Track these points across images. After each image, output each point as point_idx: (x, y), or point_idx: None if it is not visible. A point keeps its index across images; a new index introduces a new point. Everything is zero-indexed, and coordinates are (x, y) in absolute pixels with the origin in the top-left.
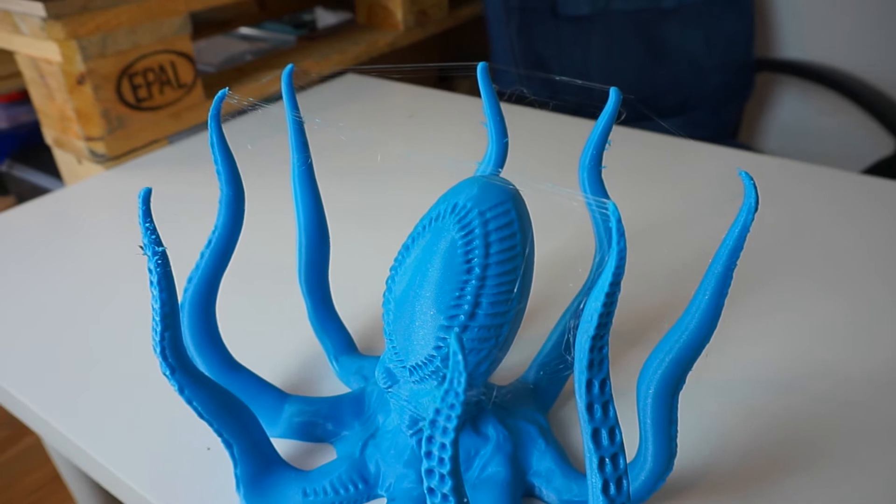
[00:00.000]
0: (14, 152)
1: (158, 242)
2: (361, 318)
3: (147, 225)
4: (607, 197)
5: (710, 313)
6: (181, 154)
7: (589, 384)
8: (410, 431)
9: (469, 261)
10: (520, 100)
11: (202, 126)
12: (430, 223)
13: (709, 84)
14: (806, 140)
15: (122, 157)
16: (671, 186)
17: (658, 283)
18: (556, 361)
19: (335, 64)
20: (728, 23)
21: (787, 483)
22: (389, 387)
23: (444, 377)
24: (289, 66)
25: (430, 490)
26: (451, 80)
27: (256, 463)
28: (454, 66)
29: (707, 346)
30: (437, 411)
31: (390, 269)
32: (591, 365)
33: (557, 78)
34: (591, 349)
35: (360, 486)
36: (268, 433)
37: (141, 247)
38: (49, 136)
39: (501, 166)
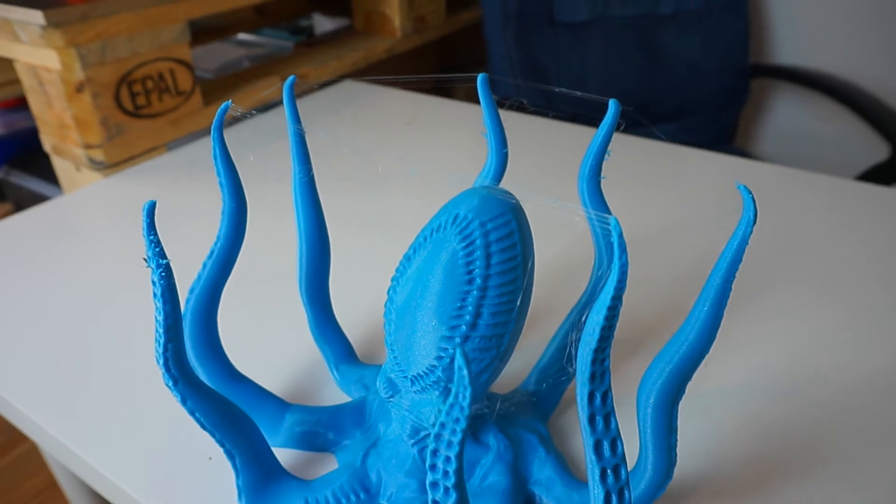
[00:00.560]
0: (11, 159)
1: (162, 255)
2: (362, 327)
3: (151, 237)
4: (606, 207)
5: (709, 324)
6: (179, 161)
7: (591, 396)
8: (412, 441)
9: (470, 271)
10: (519, 109)
11: (200, 133)
12: (431, 234)
13: (706, 89)
14: (801, 145)
15: (121, 165)
16: (669, 193)
17: (657, 291)
18: (556, 370)
19: (333, 70)
20: (724, 29)
21: (787, 489)
22: (391, 396)
23: (445, 388)
24: (290, 78)
25: (435, 503)
26: (449, 86)
27: (258, 473)
28: (453, 77)
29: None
30: (443, 425)
31: (392, 280)
32: (593, 377)
33: (557, 90)
34: (594, 362)
35: (361, 496)
36: (269, 442)
37: (145, 259)
38: (47, 143)
39: (501, 177)
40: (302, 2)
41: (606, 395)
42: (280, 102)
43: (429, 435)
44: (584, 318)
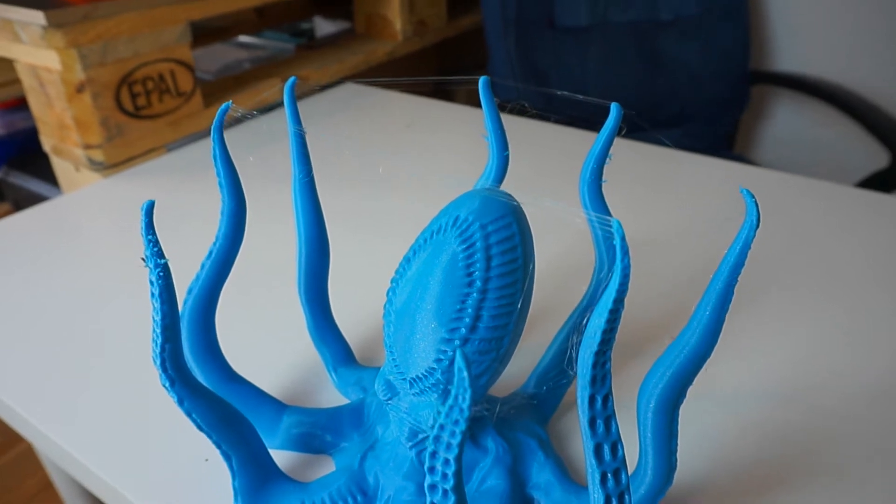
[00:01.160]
0: (11, 159)
1: (161, 255)
2: (360, 329)
3: (149, 237)
4: (607, 211)
5: (710, 328)
6: (179, 162)
7: (592, 400)
8: (410, 444)
9: (470, 274)
10: (520, 112)
11: (201, 134)
12: (431, 236)
13: (705, 95)
14: (801, 152)
15: (121, 165)
16: (669, 198)
17: (658, 294)
18: (556, 373)
19: (334, 73)
20: (724, 35)
21: (787, 496)
22: (389, 399)
23: (445, 390)
24: (291, 79)
25: None
26: (449, 89)
27: (255, 475)
28: (454, 79)
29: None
30: (441, 427)
31: (391, 281)
32: (594, 381)
33: (559, 93)
34: (595, 365)
35: (358, 499)
36: (266, 444)
37: (143, 259)
38: (47, 143)
39: (502, 179)
40: (303, 4)
41: (607, 399)
42: (281, 104)
43: (427, 437)
44: (584, 321)
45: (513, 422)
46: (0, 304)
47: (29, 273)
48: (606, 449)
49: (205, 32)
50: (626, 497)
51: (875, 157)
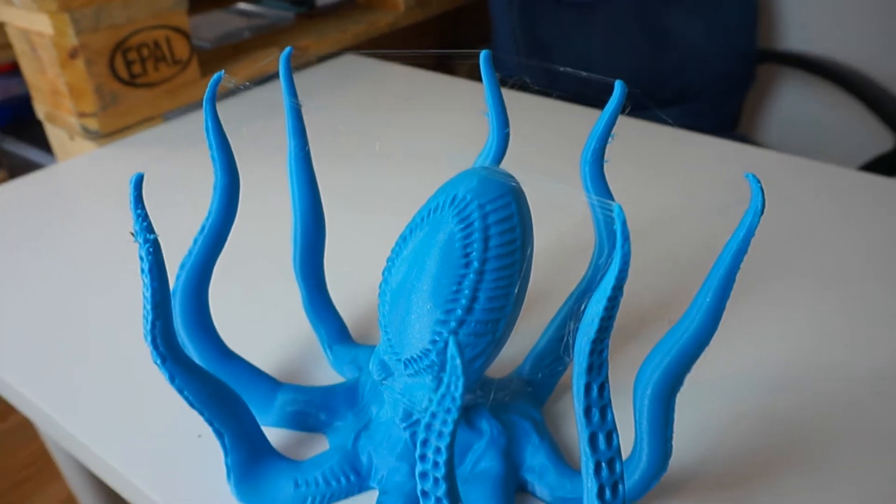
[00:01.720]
0: (5, 125)
1: (150, 230)
2: (356, 307)
3: (139, 211)
4: (609, 192)
5: (711, 315)
6: (176, 132)
7: (588, 388)
8: (404, 424)
9: (467, 254)
10: (522, 88)
11: (198, 104)
12: (428, 214)
13: (710, 74)
14: (805, 133)
15: (116, 135)
16: (671, 179)
17: (657, 278)
18: (551, 360)
19: (334, 43)
20: (731, 13)
21: (783, 482)
22: (384, 379)
23: (438, 376)
24: (287, 49)
25: (424, 493)
26: (451, 62)
27: (247, 452)
28: (456, 52)
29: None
30: (434, 415)
31: (387, 260)
32: (590, 368)
33: (562, 69)
34: (591, 353)
35: (351, 478)
36: (260, 422)
37: (132, 233)
38: (41, 110)
39: (502, 158)
40: None
41: (603, 387)
42: (276, 76)
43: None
44: (582, 307)
45: (508, 403)
46: None
47: (22, 243)
48: (601, 438)
49: None
50: (620, 486)
51: (880, 141)
